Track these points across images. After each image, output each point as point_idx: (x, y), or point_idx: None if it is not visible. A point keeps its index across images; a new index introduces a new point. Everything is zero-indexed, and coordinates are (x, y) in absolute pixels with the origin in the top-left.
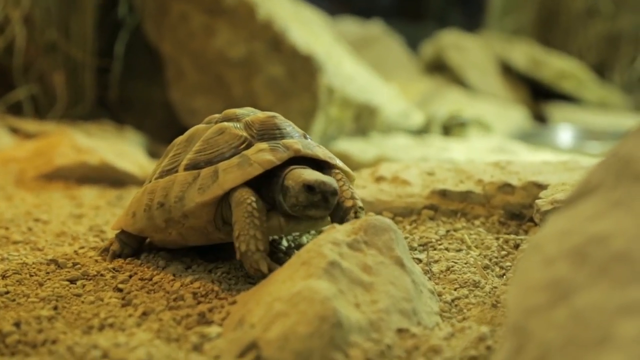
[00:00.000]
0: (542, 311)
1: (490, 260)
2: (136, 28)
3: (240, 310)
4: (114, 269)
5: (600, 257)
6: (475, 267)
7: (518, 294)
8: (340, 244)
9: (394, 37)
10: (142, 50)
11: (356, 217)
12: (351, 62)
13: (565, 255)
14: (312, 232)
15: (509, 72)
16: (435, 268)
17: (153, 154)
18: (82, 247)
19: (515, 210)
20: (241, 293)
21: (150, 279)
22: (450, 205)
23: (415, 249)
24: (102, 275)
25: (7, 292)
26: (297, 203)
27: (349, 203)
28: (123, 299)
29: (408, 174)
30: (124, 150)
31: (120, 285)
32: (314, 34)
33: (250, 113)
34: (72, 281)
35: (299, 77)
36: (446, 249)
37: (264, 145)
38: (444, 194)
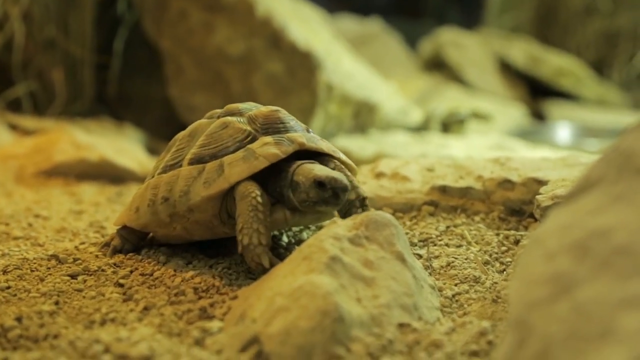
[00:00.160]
0: (544, 305)
1: (490, 256)
2: (135, 24)
3: (242, 305)
4: (114, 264)
5: (601, 251)
6: (475, 263)
7: (520, 288)
8: (341, 239)
9: (393, 35)
10: (141, 47)
11: (362, 207)
12: (350, 59)
13: (566, 249)
14: (313, 227)
15: (508, 70)
16: (436, 264)
17: (152, 150)
18: (82, 243)
19: (515, 206)
20: (242, 288)
21: (151, 274)
22: (450, 201)
23: (416, 245)
24: (103, 270)
25: (9, 287)
26: (307, 199)
27: (352, 196)
28: (124, 294)
29: (408, 170)
30: (123, 147)
31: (121, 281)
32: (313, 31)
33: (253, 107)
34: (73, 276)
35: (298, 74)
36: (446, 244)
37: (268, 138)
38: (444, 190)
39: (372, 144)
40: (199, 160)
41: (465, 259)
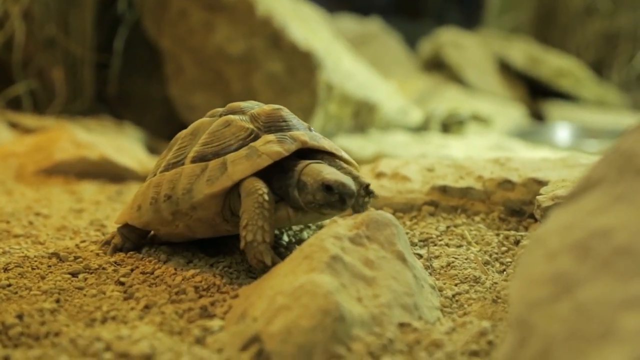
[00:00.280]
0: (545, 305)
1: (490, 256)
2: (135, 24)
3: (243, 303)
4: (115, 262)
5: (603, 251)
6: (475, 263)
7: (521, 287)
8: (342, 239)
9: (392, 35)
10: (142, 46)
11: (368, 195)
12: (350, 59)
13: (568, 249)
14: (314, 226)
15: (507, 70)
16: (436, 263)
17: (152, 149)
18: (83, 241)
19: (515, 206)
20: (243, 287)
21: (152, 273)
22: (450, 201)
23: (416, 245)
24: (103, 268)
25: (10, 285)
26: (313, 200)
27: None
28: (125, 292)
29: (408, 170)
30: (123, 146)
31: (122, 279)
32: (313, 31)
33: (255, 106)
34: (74, 274)
35: (298, 74)
36: (447, 244)
37: (271, 137)
38: (444, 190)
39: (371, 144)
40: (201, 158)
41: (466, 259)
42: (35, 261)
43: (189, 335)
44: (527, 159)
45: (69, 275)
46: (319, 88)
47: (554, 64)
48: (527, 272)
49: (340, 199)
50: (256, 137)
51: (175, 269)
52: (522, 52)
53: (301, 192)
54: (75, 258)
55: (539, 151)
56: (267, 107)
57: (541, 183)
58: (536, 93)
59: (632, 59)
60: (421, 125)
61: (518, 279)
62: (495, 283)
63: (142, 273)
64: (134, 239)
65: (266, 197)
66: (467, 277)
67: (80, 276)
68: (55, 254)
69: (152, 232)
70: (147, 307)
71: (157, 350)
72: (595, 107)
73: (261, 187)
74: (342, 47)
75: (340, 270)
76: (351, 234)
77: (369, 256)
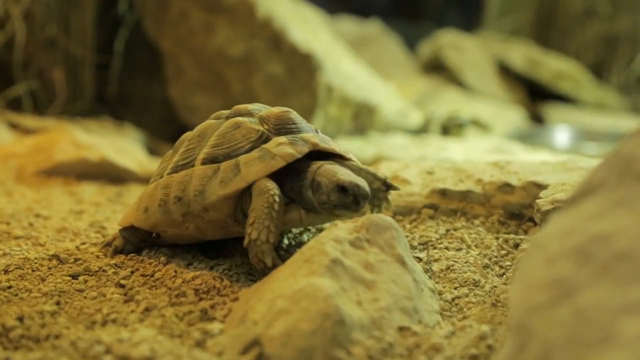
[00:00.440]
0: (544, 309)
1: (490, 259)
2: (136, 25)
3: (243, 307)
4: (115, 265)
5: (602, 256)
6: (475, 266)
7: (521, 292)
8: (342, 242)
9: (392, 37)
10: (142, 47)
11: (387, 188)
12: (350, 61)
13: (567, 254)
14: (314, 229)
15: (507, 73)
16: (436, 267)
17: (152, 150)
18: (83, 243)
19: (514, 209)
20: (243, 290)
21: (152, 275)
22: (450, 204)
23: (416, 248)
24: (104, 271)
25: (10, 287)
26: (327, 201)
27: (375, 184)
28: (125, 294)
29: (408, 173)
30: (123, 147)
31: (122, 281)
32: (313, 33)
33: (262, 108)
34: (74, 276)
35: (298, 75)
36: (446, 248)
37: (282, 139)
38: (443, 193)
39: (371, 146)
40: (212, 159)
41: (465, 263)
42: (36, 263)
43: (189, 339)
44: (526, 162)
45: (69, 278)
46: (319, 90)
47: (554, 67)
48: (527, 276)
49: (355, 200)
50: (267, 139)
51: (176, 272)
52: (522, 55)
53: (315, 192)
54: (76, 260)
55: (538, 154)
56: (276, 110)
57: (541, 186)
58: (536, 95)
59: (632, 62)
60: (421, 128)
61: (518, 283)
62: (495, 286)
63: (143, 275)
64: (135, 242)
65: (276, 199)
66: (466, 281)
67: (81, 278)
68: (56, 256)
69: (153, 235)
70: (147, 309)
71: (157, 353)
72: (595, 109)
73: (273, 188)
74: (342, 48)
75: (340, 274)
76: (351, 237)
77: (369, 259)
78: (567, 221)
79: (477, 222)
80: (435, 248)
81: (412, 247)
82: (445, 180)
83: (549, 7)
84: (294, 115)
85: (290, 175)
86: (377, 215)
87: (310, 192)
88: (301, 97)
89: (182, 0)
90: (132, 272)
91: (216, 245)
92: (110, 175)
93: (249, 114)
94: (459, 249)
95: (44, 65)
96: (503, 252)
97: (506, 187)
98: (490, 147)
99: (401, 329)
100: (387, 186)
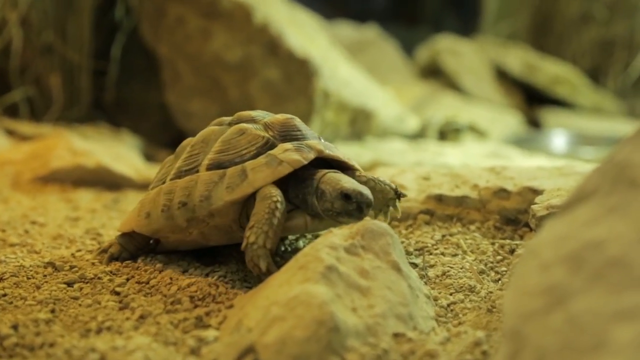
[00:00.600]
0: (538, 316)
1: (485, 265)
2: (133, 30)
3: (238, 314)
4: (111, 272)
5: (596, 262)
6: (470, 272)
7: (514, 298)
8: (337, 248)
9: (389, 41)
10: (139, 53)
11: (398, 197)
12: (347, 66)
13: (561, 260)
14: (309, 236)
15: (504, 77)
16: (431, 273)
17: (149, 156)
18: (79, 250)
19: (510, 215)
20: (238, 297)
21: (147, 282)
22: (446, 210)
23: (411, 254)
24: (99, 278)
25: (5, 295)
26: (331, 208)
27: (390, 194)
28: (120, 302)
29: (404, 178)
30: (120, 153)
31: (117, 289)
32: (309, 38)
33: (265, 115)
34: (70, 284)
35: (295, 81)
36: (442, 253)
37: (288, 145)
38: (439, 198)
39: (368, 151)
40: (218, 165)
41: (461, 268)
42: (31, 270)
43: (183, 346)
44: (522, 167)
45: (64, 285)
46: (315, 95)
47: (551, 71)
48: (521, 283)
49: (358, 208)
50: (272, 146)
51: (171, 279)
52: (519, 59)
53: (319, 200)
54: (71, 267)
55: (535, 159)
56: (280, 117)
57: (536, 192)
58: (532, 100)
59: (628, 66)
60: (418, 133)
61: (512, 289)
62: (490, 292)
63: (138, 282)
64: (131, 250)
65: (279, 206)
66: (462, 287)
67: (76, 286)
68: (51, 263)
69: (151, 242)
70: (142, 317)
71: None
72: (592, 114)
73: (276, 195)
74: (339, 54)
75: (335, 281)
76: (346, 244)
77: (364, 266)
78: (561, 227)
79: (473, 227)
80: (431, 254)
81: (408, 253)
82: (441, 185)
83: (546, 12)
84: (298, 122)
85: (294, 182)
86: (372, 222)
87: (314, 198)
88: (298, 102)
89: (179, 6)
90: (128, 280)
91: (212, 252)
92: (106, 181)
93: (252, 120)
94: (455, 255)
95: (40, 72)
96: (499, 257)
97: (502, 193)
98: (487, 152)
99: (396, 335)
100: (398, 195)
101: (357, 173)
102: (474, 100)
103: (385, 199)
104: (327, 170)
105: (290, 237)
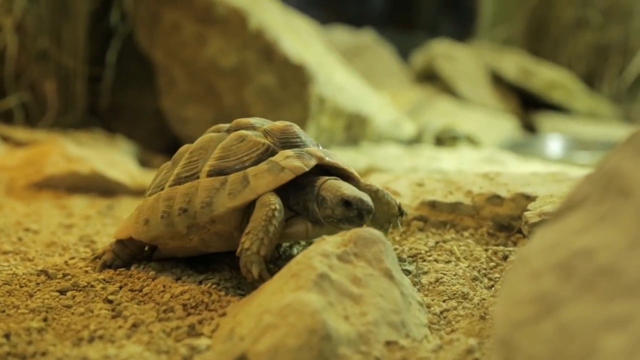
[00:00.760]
0: (528, 325)
1: (479, 271)
2: (128, 36)
3: (230, 322)
4: (104, 279)
5: (585, 271)
6: (464, 279)
7: (505, 307)
8: (330, 256)
9: (385, 46)
10: (134, 59)
11: (401, 214)
12: (342, 72)
13: (551, 269)
14: (303, 243)
15: (499, 82)
16: (424, 279)
17: (144, 162)
18: (72, 258)
19: (504, 221)
20: (231, 304)
21: (140, 290)
22: (439, 216)
23: (405, 261)
24: (92, 286)
25: None
26: (332, 215)
27: (393, 210)
28: (113, 310)
29: (398, 184)
30: (114, 159)
31: (110, 297)
32: (305, 44)
33: (264, 122)
34: (62, 292)
35: (290, 87)
36: (435, 260)
37: (289, 152)
38: (433, 205)
39: (363, 157)
40: (219, 172)
41: (454, 275)
42: (24, 278)
43: (176, 355)
44: (516, 173)
45: (57, 293)
46: (311, 101)
47: (546, 76)
48: (512, 291)
49: (359, 214)
50: (273, 153)
51: (164, 286)
52: (514, 64)
53: (320, 206)
54: (64, 275)
55: (530, 164)
56: (280, 124)
57: (530, 198)
58: (528, 105)
59: (623, 71)
60: (414, 138)
61: (502, 298)
62: (484, 299)
63: (131, 290)
64: (125, 258)
65: (276, 214)
66: (455, 293)
67: (69, 294)
68: (44, 271)
69: (146, 249)
70: (134, 325)
71: None
72: (587, 118)
73: (274, 203)
74: (335, 59)
75: (327, 289)
76: (339, 252)
77: (357, 274)
78: (552, 236)
79: (466, 234)
80: (424, 260)
81: (401, 260)
82: (435, 192)
83: (541, 17)
84: (298, 129)
85: (295, 189)
86: (365, 229)
87: (315, 205)
88: (293, 108)
89: (174, 11)
90: (121, 287)
91: (205, 259)
92: (101, 188)
93: (252, 127)
94: (448, 262)
95: (35, 78)
96: (492, 264)
97: (495, 199)
98: (482, 157)
99: (388, 343)
100: (401, 213)
101: (363, 183)
102: (470, 105)
103: (389, 213)
104: (327, 177)
105: (285, 244)
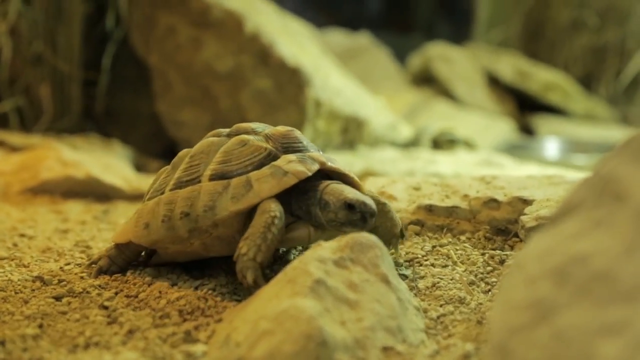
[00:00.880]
0: (524, 331)
1: (475, 276)
2: (123, 40)
3: (226, 328)
4: (99, 285)
5: (581, 276)
6: (461, 283)
7: (501, 313)
8: (326, 262)
9: (382, 49)
10: (129, 63)
11: (401, 235)
12: (338, 75)
13: (547, 274)
14: (299, 248)
15: (496, 84)
16: (421, 284)
17: (140, 167)
18: (67, 264)
19: (500, 225)
20: (227, 310)
21: (136, 296)
22: (436, 220)
23: (401, 265)
24: (87, 292)
25: None
26: (335, 219)
27: (397, 230)
28: (109, 316)
29: (394, 188)
30: (110, 164)
31: (105, 303)
32: (301, 47)
33: (265, 127)
34: (58, 298)
35: (287, 90)
36: (432, 264)
37: (292, 156)
38: (430, 209)
39: (360, 160)
40: (221, 176)
41: (451, 280)
42: (19, 285)
43: None
44: (513, 177)
45: (52, 299)
46: (307, 104)
47: (543, 78)
48: (507, 297)
49: (362, 218)
50: (275, 157)
51: (160, 292)
52: (511, 66)
53: (323, 210)
54: (60, 281)
55: (527, 166)
56: (281, 128)
57: (526, 202)
58: (525, 107)
59: (620, 73)
60: (411, 141)
61: (498, 304)
62: (481, 304)
63: (127, 296)
64: (121, 264)
65: (276, 221)
66: (452, 298)
67: (64, 300)
68: (40, 277)
69: (142, 254)
70: (130, 331)
71: None
72: (584, 120)
73: (275, 210)
74: (331, 62)
75: (323, 294)
76: (335, 257)
77: (353, 279)
78: (547, 241)
79: (463, 238)
80: (421, 265)
81: (398, 264)
82: (432, 196)
83: (538, 19)
84: (299, 134)
85: (297, 194)
86: (361, 234)
87: (318, 209)
88: (289, 112)
89: (170, 15)
90: (116, 293)
91: (201, 264)
92: (96, 192)
93: (253, 132)
94: (445, 266)
95: (30, 82)
96: (489, 268)
97: (492, 203)
98: (479, 160)
99: (385, 348)
100: (402, 235)
101: (369, 192)
102: (467, 108)
103: (390, 232)
104: (329, 182)
105: (281, 249)
